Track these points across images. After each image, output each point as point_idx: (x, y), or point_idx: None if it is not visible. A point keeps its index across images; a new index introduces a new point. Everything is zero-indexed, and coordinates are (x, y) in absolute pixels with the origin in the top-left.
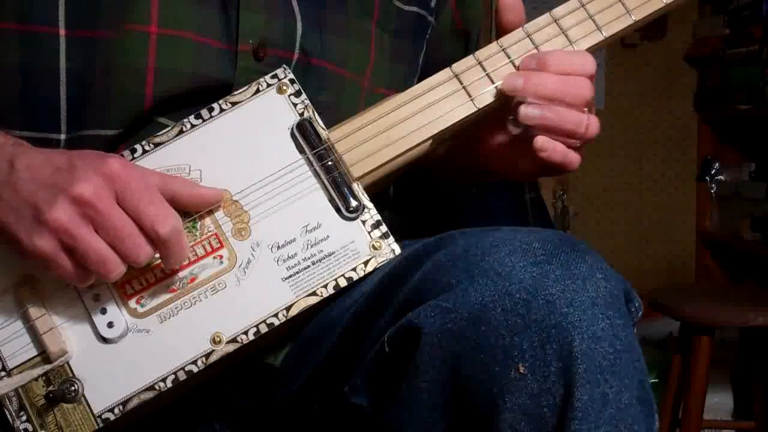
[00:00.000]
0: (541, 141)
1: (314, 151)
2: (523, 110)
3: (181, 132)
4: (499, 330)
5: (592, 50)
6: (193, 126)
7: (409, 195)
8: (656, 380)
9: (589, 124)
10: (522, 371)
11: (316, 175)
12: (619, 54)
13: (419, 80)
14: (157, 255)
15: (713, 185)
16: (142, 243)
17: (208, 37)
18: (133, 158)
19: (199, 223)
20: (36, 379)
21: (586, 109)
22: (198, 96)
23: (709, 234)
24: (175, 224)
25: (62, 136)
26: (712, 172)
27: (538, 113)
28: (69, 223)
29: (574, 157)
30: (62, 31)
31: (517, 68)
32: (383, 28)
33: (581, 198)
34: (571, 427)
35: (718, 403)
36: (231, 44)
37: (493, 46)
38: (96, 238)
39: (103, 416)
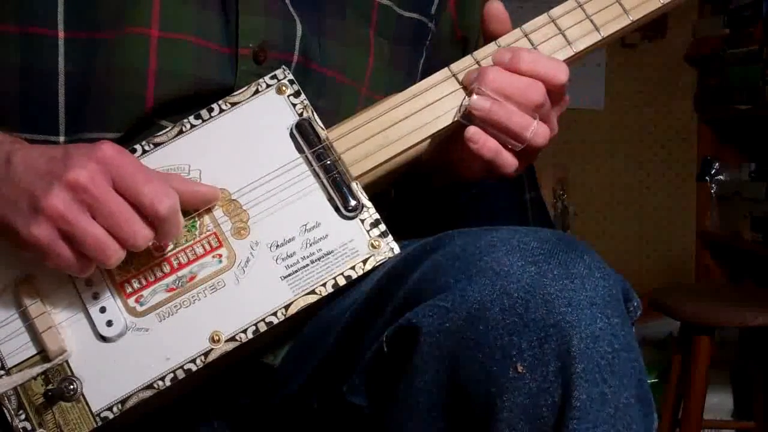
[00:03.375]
0: (472, 131)
1: (313, 150)
2: (473, 99)
3: (180, 132)
4: (498, 329)
5: (590, 50)
6: (192, 126)
7: (409, 195)
8: (656, 380)
9: (537, 131)
10: (520, 371)
11: (315, 174)
12: (619, 54)
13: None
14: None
15: (713, 185)
16: (139, 226)
17: (208, 41)
18: None
19: (198, 222)
20: (35, 378)
21: (537, 116)
22: (199, 99)
23: (709, 234)
24: (173, 202)
25: (61, 139)
26: (712, 172)
27: (486, 105)
28: (65, 209)
29: (508, 159)
30: (61, 33)
31: None
32: (382, 34)
33: (581, 198)
34: (570, 427)
35: (718, 403)
36: (231, 48)
37: (491, 46)
38: (93, 224)
39: (102, 415)
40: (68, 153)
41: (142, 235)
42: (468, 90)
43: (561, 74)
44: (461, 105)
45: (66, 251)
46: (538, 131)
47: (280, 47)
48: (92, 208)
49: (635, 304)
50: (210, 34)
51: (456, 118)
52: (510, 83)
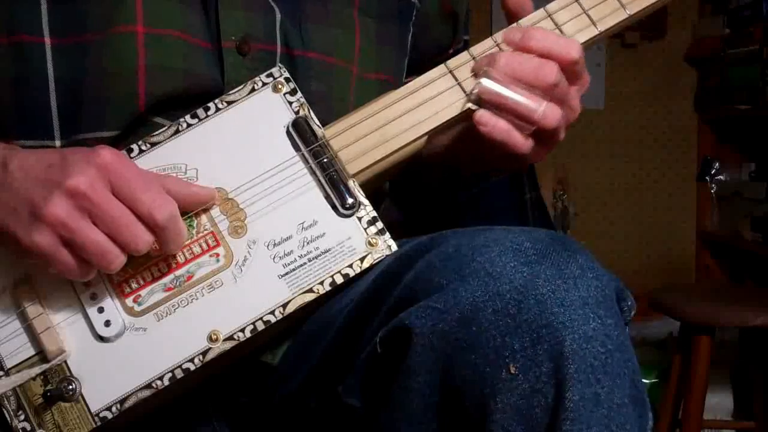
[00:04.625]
0: (480, 113)
1: (310, 148)
2: (482, 82)
3: (177, 131)
4: (490, 330)
5: (588, 45)
6: (189, 125)
7: (408, 194)
8: (656, 380)
9: (546, 112)
10: (513, 371)
11: (312, 172)
12: (619, 54)
13: (409, 65)
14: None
15: (713, 185)
16: (140, 231)
17: (193, 36)
18: (130, 158)
19: (196, 221)
20: (34, 379)
21: (549, 97)
22: (192, 94)
23: (709, 234)
24: (171, 210)
25: (57, 143)
26: (712, 172)
27: (494, 88)
28: (66, 216)
29: (520, 140)
30: (47, 40)
31: None
32: (366, 13)
33: (581, 198)
34: (563, 428)
35: (718, 403)
36: (214, 42)
37: (488, 42)
38: (94, 230)
39: (101, 415)
40: (66, 159)
41: (143, 239)
42: (478, 74)
43: (573, 51)
44: (471, 91)
45: (68, 257)
46: (547, 112)
47: (263, 38)
48: (92, 214)
49: (629, 303)
50: (194, 29)
51: (466, 107)
52: (521, 65)
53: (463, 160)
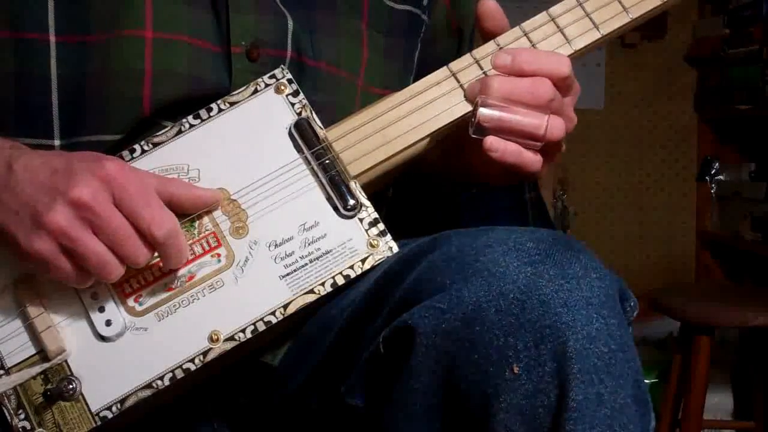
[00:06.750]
0: (490, 141)
1: (312, 149)
2: (481, 111)
3: (179, 132)
4: (494, 330)
5: (589, 48)
6: (191, 126)
7: (409, 195)
8: (656, 380)
9: (550, 126)
10: (516, 371)
11: (314, 173)
12: (619, 54)
13: (415, 79)
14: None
15: (713, 185)
16: (139, 245)
17: (202, 40)
18: (132, 158)
19: (198, 221)
20: (34, 378)
21: (549, 111)
22: (197, 98)
23: (709, 234)
24: (171, 227)
25: (56, 143)
26: (712, 172)
27: (495, 114)
28: (67, 226)
29: (531, 159)
30: (52, 38)
31: None
32: (374, 27)
33: (581, 198)
34: (566, 428)
35: (718, 403)
36: (224, 47)
37: (490, 45)
38: (95, 241)
39: (101, 414)
40: (71, 167)
41: (143, 254)
42: (474, 103)
43: (563, 67)
44: (471, 121)
45: (66, 265)
46: (552, 125)
47: (273, 44)
48: (94, 225)
49: (632, 303)
50: (203, 33)
51: (469, 130)
52: (515, 87)
53: (469, 178)
